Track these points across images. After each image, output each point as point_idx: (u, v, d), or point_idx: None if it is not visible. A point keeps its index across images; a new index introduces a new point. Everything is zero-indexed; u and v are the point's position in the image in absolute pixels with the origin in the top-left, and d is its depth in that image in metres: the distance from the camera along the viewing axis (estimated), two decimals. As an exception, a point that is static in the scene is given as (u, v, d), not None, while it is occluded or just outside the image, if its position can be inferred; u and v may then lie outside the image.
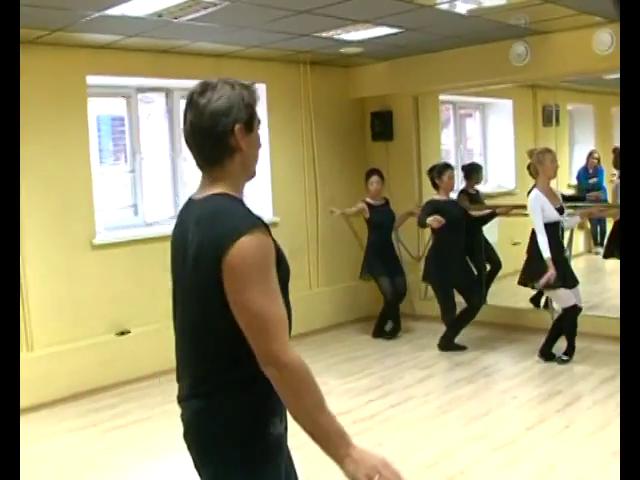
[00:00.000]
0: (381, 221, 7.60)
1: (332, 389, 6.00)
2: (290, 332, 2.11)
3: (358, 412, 5.46)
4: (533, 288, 6.87)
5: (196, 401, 2.18)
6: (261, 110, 7.66)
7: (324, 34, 6.48)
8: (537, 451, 4.67)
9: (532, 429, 5.02)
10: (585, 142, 12.28)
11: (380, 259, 7.56)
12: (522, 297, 7.91)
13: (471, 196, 8.18)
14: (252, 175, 2.26)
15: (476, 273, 7.67)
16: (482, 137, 10.36)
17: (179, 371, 2.30)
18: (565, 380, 6.04)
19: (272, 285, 2.02)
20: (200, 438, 2.18)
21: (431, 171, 7.19)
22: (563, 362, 6.39)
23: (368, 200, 7.64)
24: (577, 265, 11.27)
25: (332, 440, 2.00)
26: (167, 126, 7.36)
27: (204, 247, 2.04)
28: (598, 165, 10.73)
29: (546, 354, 6.48)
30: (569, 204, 7.11)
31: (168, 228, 8.38)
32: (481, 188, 8.89)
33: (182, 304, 2.22)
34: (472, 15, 6.09)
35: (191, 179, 7.55)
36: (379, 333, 7.67)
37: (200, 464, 2.22)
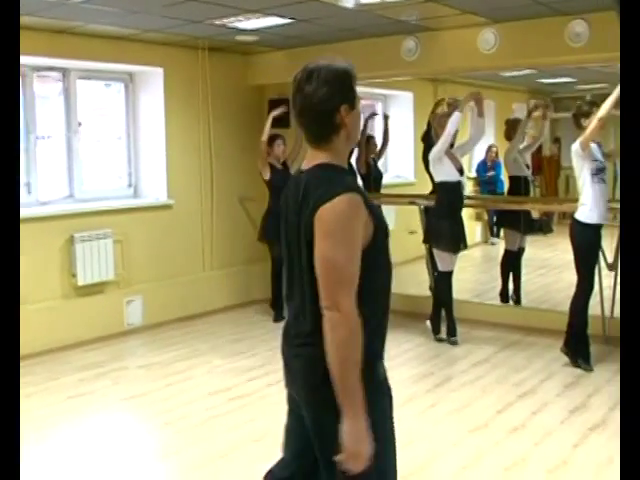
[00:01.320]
0: (282, 185, 7.65)
1: (214, 368, 6.18)
2: (390, 288, 2.49)
3: (237, 390, 5.64)
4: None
5: (308, 347, 2.38)
6: (158, 94, 7.72)
7: (217, 22, 6.59)
8: (400, 428, 4.84)
9: (400, 408, 5.22)
10: (485, 137, 12.65)
11: (277, 223, 7.61)
12: (412, 284, 8.20)
13: (368, 165, 8.51)
14: (354, 145, 2.73)
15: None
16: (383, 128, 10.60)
17: (290, 317, 2.53)
18: (441, 362, 6.35)
19: (352, 242, 2.26)
20: (311, 381, 2.38)
21: None
22: (454, 343, 6.78)
23: (272, 161, 7.70)
24: (473, 254, 11.72)
25: (348, 399, 2.22)
26: (63, 105, 7.36)
27: (309, 207, 2.29)
28: (496, 159, 11.08)
29: (435, 327, 6.94)
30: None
31: (62, 207, 8.25)
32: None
33: (295, 260, 2.45)
34: (361, 10, 6.29)
35: (87, 158, 7.60)
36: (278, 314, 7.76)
37: (309, 406, 2.43)
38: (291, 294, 2.51)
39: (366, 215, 2.30)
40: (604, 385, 5.66)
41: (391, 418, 2.47)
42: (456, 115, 6.61)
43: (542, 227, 12.96)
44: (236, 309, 8.35)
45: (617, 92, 5.50)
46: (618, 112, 5.23)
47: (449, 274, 6.86)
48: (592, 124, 5.62)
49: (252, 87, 8.67)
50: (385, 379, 2.48)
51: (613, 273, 6.69)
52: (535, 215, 13.10)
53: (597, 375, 5.89)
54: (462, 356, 6.47)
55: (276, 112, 7.74)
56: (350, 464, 2.23)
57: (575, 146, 5.81)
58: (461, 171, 6.73)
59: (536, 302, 8.07)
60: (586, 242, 5.87)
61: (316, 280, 2.29)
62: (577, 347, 6.04)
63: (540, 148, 14.90)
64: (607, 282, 6.61)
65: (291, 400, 2.65)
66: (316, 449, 2.45)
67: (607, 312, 6.76)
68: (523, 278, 8.07)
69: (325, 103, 2.36)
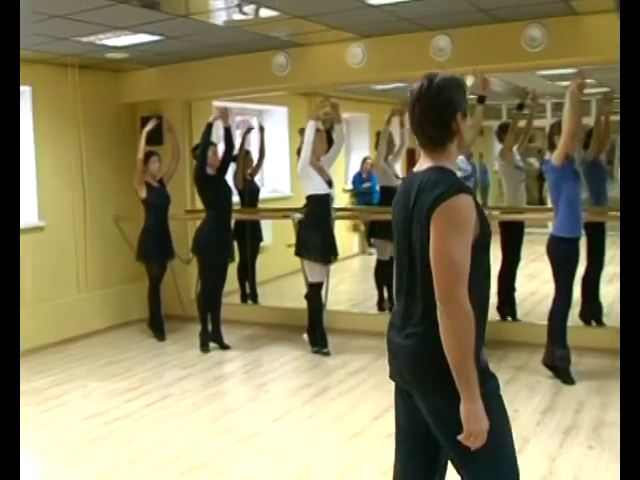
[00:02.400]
0: (158, 202, 7.61)
1: (91, 392, 6.05)
2: (489, 290, 2.71)
3: (113, 412, 5.53)
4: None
5: (417, 337, 2.56)
6: (26, 113, 7.48)
7: (84, 39, 6.50)
8: (279, 440, 4.96)
9: (278, 420, 5.31)
10: (361, 149, 12.94)
11: (155, 242, 7.61)
12: (290, 298, 8.27)
13: (245, 180, 8.59)
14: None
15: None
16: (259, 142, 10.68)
17: (399, 310, 2.68)
18: (318, 373, 6.42)
19: (466, 239, 2.43)
20: (421, 370, 2.57)
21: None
22: (324, 354, 6.83)
23: (147, 179, 7.58)
24: (351, 265, 11.93)
25: (466, 383, 2.38)
26: None
27: (423, 206, 2.47)
28: (371, 170, 11.29)
29: (312, 339, 6.98)
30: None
31: None
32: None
33: (406, 255, 2.61)
34: (231, 26, 6.34)
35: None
36: (158, 332, 7.73)
37: (423, 395, 2.59)
38: (400, 290, 2.68)
39: (475, 214, 2.48)
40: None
41: (500, 396, 2.60)
42: (311, 124, 6.64)
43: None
44: (114, 330, 8.19)
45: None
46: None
47: (319, 285, 6.93)
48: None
49: (124, 105, 8.57)
50: (487, 364, 2.61)
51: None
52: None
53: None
54: (340, 366, 6.57)
55: (149, 127, 7.63)
56: (472, 442, 2.42)
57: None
58: (330, 183, 6.80)
59: (411, 309, 8.27)
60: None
61: (426, 275, 2.48)
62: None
63: (413, 158, 15.35)
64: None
65: (397, 392, 2.85)
66: (436, 432, 2.61)
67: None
68: (399, 286, 8.20)
69: (446, 109, 2.54)
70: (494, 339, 6.92)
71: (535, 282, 9.10)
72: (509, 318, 7.44)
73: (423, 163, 2.64)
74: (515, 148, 7.41)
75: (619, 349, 2.58)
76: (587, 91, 8.55)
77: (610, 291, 7.30)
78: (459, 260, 2.40)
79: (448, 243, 2.41)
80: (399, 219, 2.65)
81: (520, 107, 7.39)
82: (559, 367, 5.95)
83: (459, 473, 2.63)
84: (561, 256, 5.85)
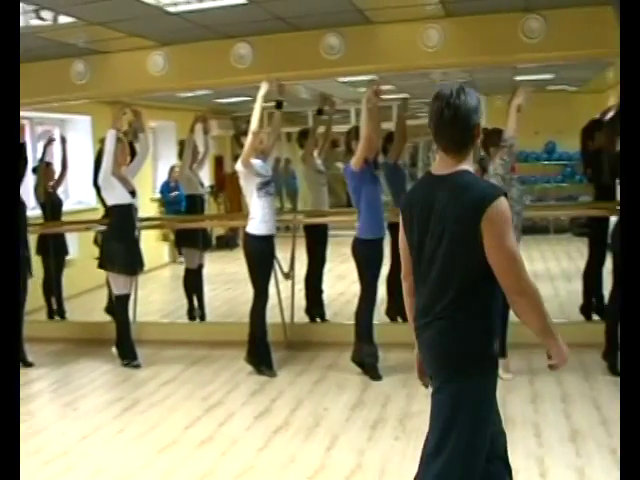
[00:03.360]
0: None
1: None
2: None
3: None
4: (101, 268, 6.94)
5: (442, 322, 2.88)
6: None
7: None
8: (89, 458, 4.80)
9: (87, 438, 5.14)
10: (168, 157, 12.81)
11: None
12: (99, 311, 8.06)
13: (47, 193, 8.33)
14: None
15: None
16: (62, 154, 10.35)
17: (422, 302, 2.98)
18: (129, 387, 6.29)
19: (513, 236, 2.80)
20: (444, 353, 2.90)
21: None
22: (134, 367, 6.70)
23: None
24: (162, 275, 11.82)
25: (550, 334, 2.82)
26: None
27: (463, 207, 2.77)
28: (179, 179, 11.20)
29: (121, 353, 6.83)
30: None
31: None
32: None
33: (431, 248, 2.89)
34: (24, 32, 6.08)
35: None
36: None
37: (441, 375, 2.94)
38: (423, 280, 2.95)
39: None
40: (287, 388, 5.98)
41: (496, 383, 2.96)
42: (111, 133, 6.48)
43: (228, 243, 13.44)
44: None
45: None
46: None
47: (125, 297, 6.78)
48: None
49: None
50: (497, 353, 2.95)
51: (290, 282, 7.12)
52: (221, 231, 13.51)
53: (280, 379, 6.21)
54: (150, 377, 6.46)
55: None
56: (561, 365, 2.87)
57: (237, 165, 6.09)
58: (133, 193, 6.67)
59: (223, 316, 8.32)
60: (258, 253, 6.17)
61: (455, 267, 2.82)
62: (259, 355, 6.30)
63: (221, 165, 15.42)
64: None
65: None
66: (438, 415, 2.94)
67: (287, 319, 7.17)
68: (211, 293, 8.25)
69: (472, 116, 2.83)
70: (303, 340, 7.13)
71: (343, 283, 9.36)
72: (318, 319, 7.63)
73: (444, 166, 2.91)
74: (316, 153, 7.60)
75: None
76: (387, 97, 8.95)
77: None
78: (518, 255, 2.77)
79: (507, 242, 2.74)
80: (422, 216, 2.93)
81: (319, 113, 7.59)
82: (367, 363, 6.16)
83: (426, 465, 2.98)
84: (364, 257, 6.06)
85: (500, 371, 5.82)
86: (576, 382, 5.81)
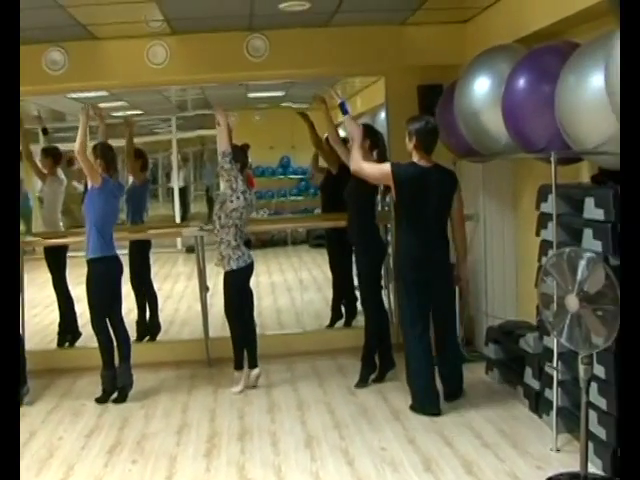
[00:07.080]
0: None
1: None
2: None
3: None
4: None
5: (442, 250, 5.39)
6: None
7: None
8: None
9: None
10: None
11: None
12: None
13: None
14: None
15: None
16: None
17: (428, 242, 5.33)
18: None
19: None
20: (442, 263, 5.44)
21: None
22: None
23: None
24: None
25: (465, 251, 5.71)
26: None
27: (450, 184, 5.37)
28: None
29: None
30: None
31: None
32: None
33: (437, 214, 5.34)
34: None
35: None
36: None
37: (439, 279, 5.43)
38: (431, 232, 5.32)
39: None
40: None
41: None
42: None
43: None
44: None
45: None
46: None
47: None
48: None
49: None
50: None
51: None
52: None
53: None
54: None
55: None
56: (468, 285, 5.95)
57: None
58: None
59: None
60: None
61: (445, 224, 5.41)
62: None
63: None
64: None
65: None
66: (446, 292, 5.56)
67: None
68: None
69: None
70: (40, 369, 6.62)
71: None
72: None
73: (425, 161, 5.26)
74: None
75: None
76: (118, 114, 8.79)
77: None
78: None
79: (463, 206, 5.53)
80: (433, 194, 5.23)
81: (44, 132, 7.67)
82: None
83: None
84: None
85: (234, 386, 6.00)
86: (311, 389, 6.04)
